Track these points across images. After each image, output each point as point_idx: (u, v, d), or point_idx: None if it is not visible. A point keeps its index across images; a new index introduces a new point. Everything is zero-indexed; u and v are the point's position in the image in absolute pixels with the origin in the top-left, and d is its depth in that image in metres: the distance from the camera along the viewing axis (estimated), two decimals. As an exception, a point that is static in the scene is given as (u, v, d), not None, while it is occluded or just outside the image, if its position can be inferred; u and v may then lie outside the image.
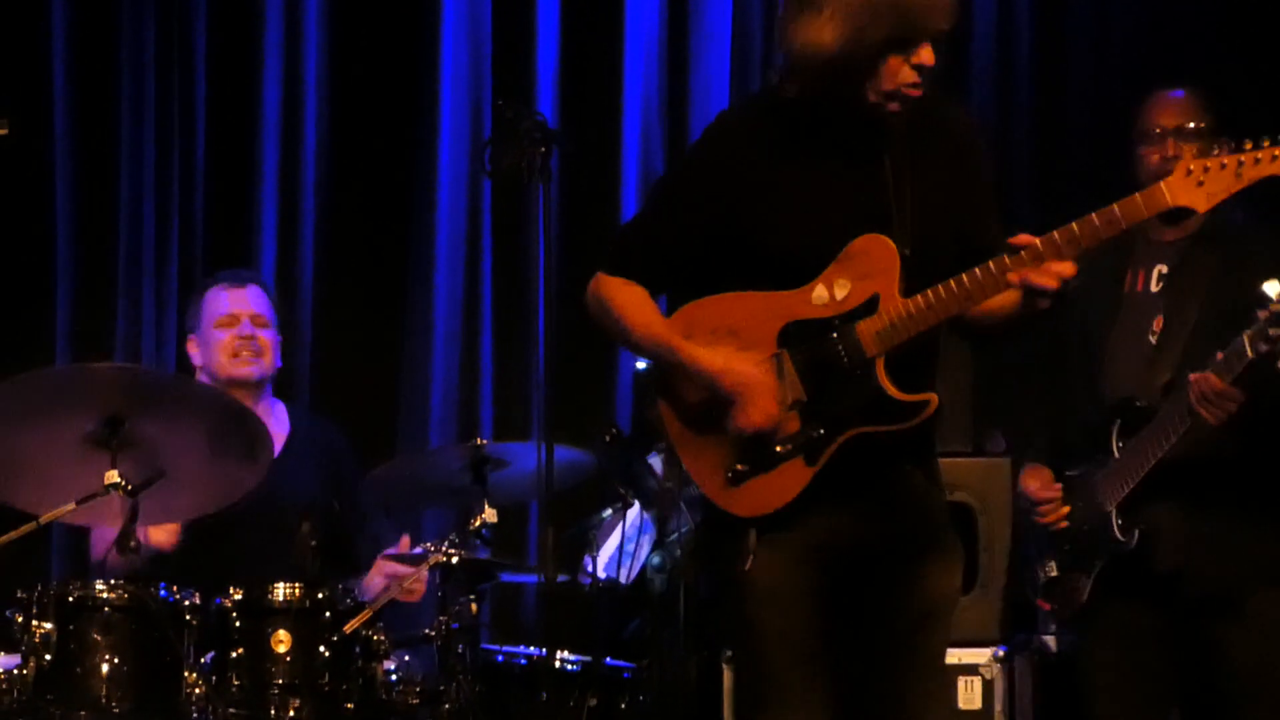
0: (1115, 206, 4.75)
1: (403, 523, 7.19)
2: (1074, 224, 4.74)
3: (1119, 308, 6.08)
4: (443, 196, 8.29)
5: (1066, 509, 6.06)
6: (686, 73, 8.42)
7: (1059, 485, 6.09)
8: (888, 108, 4.83)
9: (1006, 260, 4.76)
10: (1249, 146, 4.80)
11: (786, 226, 4.90)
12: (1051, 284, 4.72)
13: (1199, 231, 5.95)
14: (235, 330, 6.91)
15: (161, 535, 6.61)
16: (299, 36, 8.26)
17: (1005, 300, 4.87)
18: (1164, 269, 6.03)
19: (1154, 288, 6.05)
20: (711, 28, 8.42)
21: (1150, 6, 8.43)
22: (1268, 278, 5.60)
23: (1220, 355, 5.64)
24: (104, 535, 6.50)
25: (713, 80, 8.39)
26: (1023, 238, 4.75)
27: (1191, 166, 4.79)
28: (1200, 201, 4.78)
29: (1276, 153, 4.77)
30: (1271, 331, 5.51)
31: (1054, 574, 6.11)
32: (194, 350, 7.03)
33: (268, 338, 6.97)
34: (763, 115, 5.05)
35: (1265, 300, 5.52)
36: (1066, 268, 4.71)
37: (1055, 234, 4.75)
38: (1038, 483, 6.13)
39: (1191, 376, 5.69)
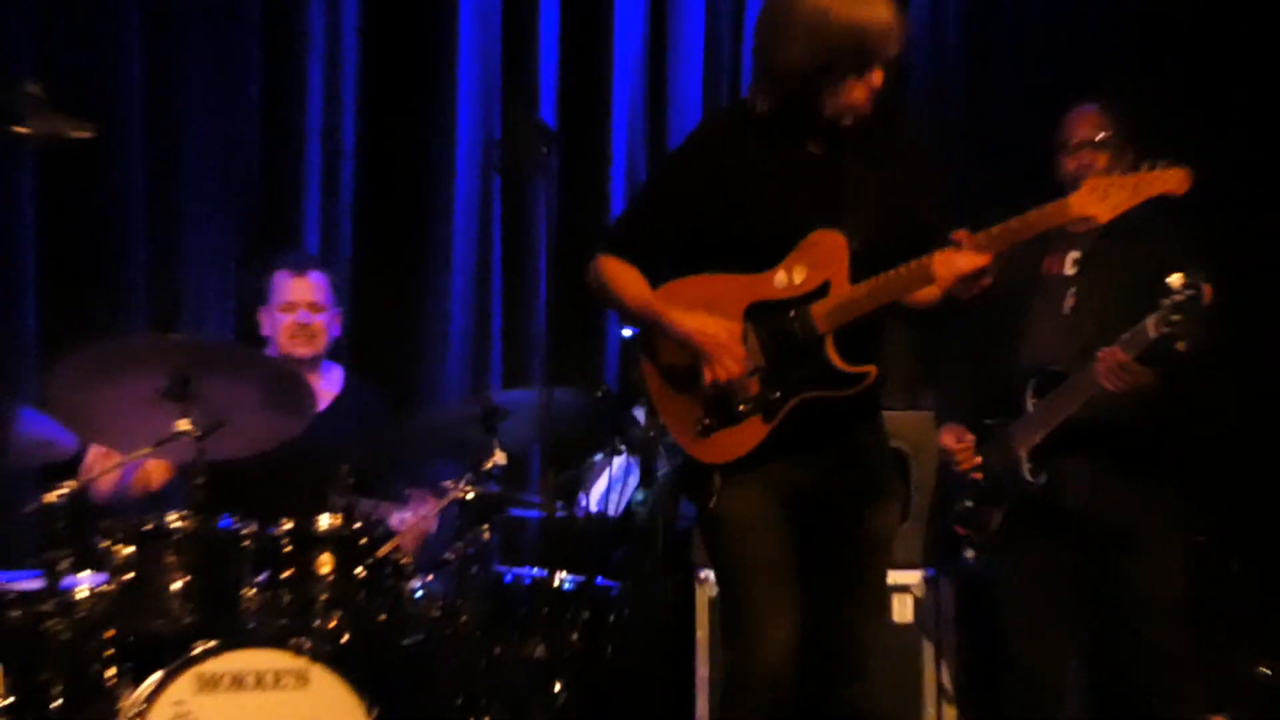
0: (1031, 214, 4.87)
1: (424, 465, 7.26)
2: (995, 227, 4.84)
3: (1038, 287, 6.15)
4: (460, 188, 8.26)
5: (978, 459, 6.15)
6: (665, 82, 8.42)
7: (971, 439, 6.17)
8: (841, 122, 4.93)
9: (924, 260, 4.85)
10: (1145, 168, 4.94)
11: (754, 220, 5.01)
12: (966, 269, 4.79)
13: (1107, 224, 5.88)
14: (294, 316, 6.97)
15: (158, 474, 6.75)
16: (339, 52, 8.24)
17: (931, 292, 4.92)
18: (1077, 255, 6.12)
19: (1069, 271, 6.12)
20: (686, 46, 8.42)
21: (1064, 28, 8.43)
22: (1165, 266, 5.68)
23: (1127, 334, 5.72)
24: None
25: (687, 89, 8.39)
26: (960, 233, 4.83)
27: (1096, 183, 4.94)
28: (1104, 213, 4.94)
29: (1166, 175, 4.93)
30: (1172, 317, 5.60)
31: (970, 505, 6.20)
32: (263, 321, 7.07)
33: (323, 321, 7.02)
34: (736, 125, 5.13)
35: (1169, 291, 5.60)
36: (980, 260, 4.79)
37: (980, 234, 4.84)
38: (953, 437, 6.24)
39: (1100, 351, 5.79)
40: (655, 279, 5.18)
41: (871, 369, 5.01)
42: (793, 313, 5.00)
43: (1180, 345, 5.66)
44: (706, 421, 5.08)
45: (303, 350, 6.99)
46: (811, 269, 4.98)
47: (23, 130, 5.55)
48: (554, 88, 8.36)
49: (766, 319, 5.03)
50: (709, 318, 5.01)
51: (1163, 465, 6.09)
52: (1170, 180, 4.97)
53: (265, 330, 7.08)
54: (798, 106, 4.96)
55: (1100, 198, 4.93)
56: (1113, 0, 8.35)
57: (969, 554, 6.64)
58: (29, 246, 7.85)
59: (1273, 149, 7.92)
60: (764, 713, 5.06)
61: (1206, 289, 5.61)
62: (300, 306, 7.01)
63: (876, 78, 4.88)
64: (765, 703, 5.06)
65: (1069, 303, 6.13)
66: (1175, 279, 5.61)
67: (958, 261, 4.82)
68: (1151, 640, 6.02)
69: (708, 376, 5.00)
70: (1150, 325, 5.68)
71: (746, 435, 5.06)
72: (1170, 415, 6.04)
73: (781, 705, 5.09)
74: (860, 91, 4.89)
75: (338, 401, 7.06)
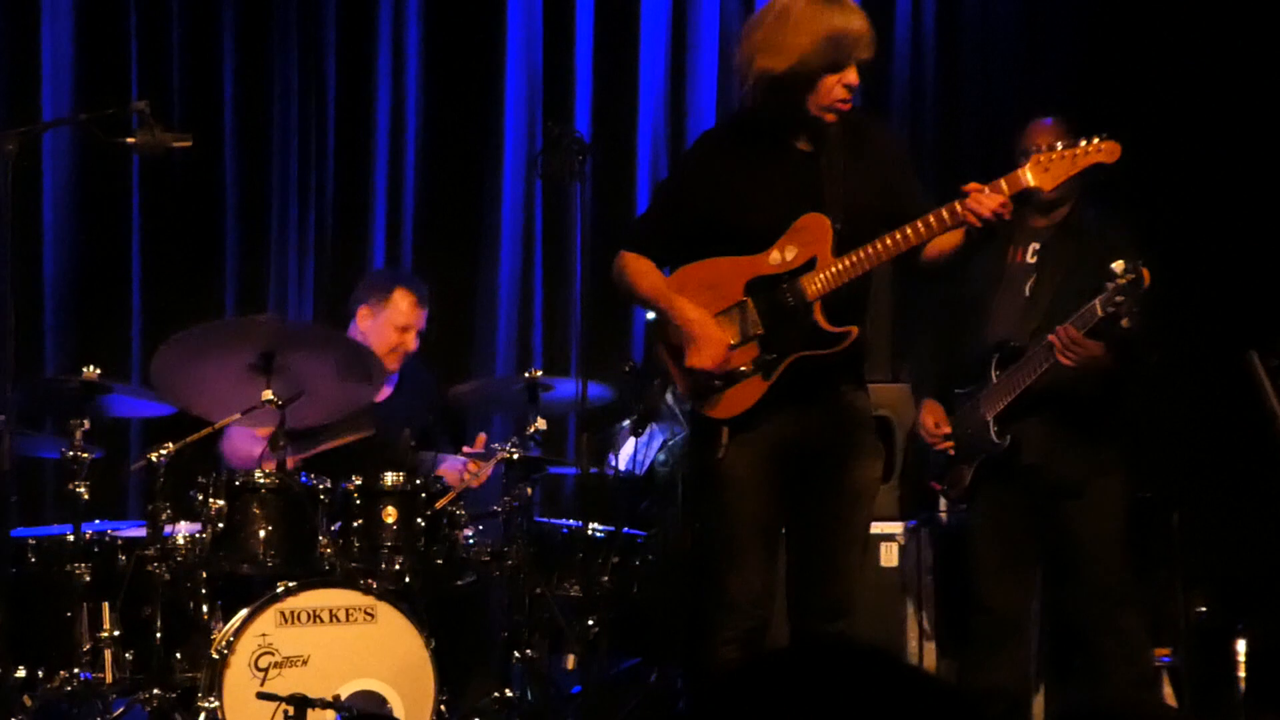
0: (986, 186, 4.89)
1: (478, 429, 7.20)
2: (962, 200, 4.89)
3: (1002, 274, 6.11)
4: (506, 192, 8.24)
5: (949, 444, 6.13)
6: (685, 101, 8.39)
7: (946, 428, 6.14)
8: (825, 118, 4.95)
9: (948, 208, 4.89)
10: (1082, 142, 4.97)
11: (750, 209, 5.04)
12: (994, 205, 4.83)
13: (1064, 221, 6.04)
14: (406, 338, 6.85)
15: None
16: (403, 71, 8.22)
17: (947, 243, 5.00)
18: (1037, 246, 6.07)
19: (1030, 260, 6.08)
20: (703, 70, 8.38)
21: (1023, 43, 8.43)
22: (1111, 257, 5.67)
23: (1078, 314, 5.71)
24: (231, 435, 6.57)
25: (703, 107, 8.35)
26: (973, 185, 4.88)
27: (1040, 158, 4.96)
28: (1047, 182, 4.96)
29: (1101, 146, 4.98)
30: (1116, 298, 5.60)
31: (944, 464, 6.17)
32: (364, 319, 6.89)
33: (414, 343, 6.91)
34: (732, 131, 5.21)
35: (1113, 275, 5.60)
36: (1002, 196, 4.86)
37: (989, 184, 4.89)
38: (932, 419, 6.19)
39: (1057, 328, 5.77)
40: (670, 267, 5.23)
41: (853, 329, 5.05)
42: (785, 285, 5.04)
43: (1124, 322, 5.67)
44: (715, 383, 5.08)
45: (394, 366, 6.89)
46: (801, 247, 5.02)
47: (130, 141, 5.53)
48: (588, 105, 8.34)
49: (764, 292, 5.06)
50: (710, 317, 5.06)
51: (1106, 427, 6.06)
52: (1104, 152, 5.01)
53: (364, 326, 6.92)
54: (785, 107, 4.97)
55: (1043, 170, 4.96)
56: (1065, 24, 8.34)
57: (943, 511, 6.73)
58: (134, 241, 7.91)
59: (1203, 158, 7.93)
60: (738, 643, 5.09)
61: (1145, 273, 5.60)
62: (414, 332, 6.92)
63: (852, 75, 4.90)
64: (740, 634, 5.09)
65: (1028, 287, 6.08)
66: (1118, 265, 5.61)
67: (990, 198, 4.86)
68: (1094, 577, 6.01)
69: (688, 362, 5.06)
70: (1098, 305, 5.67)
71: (748, 392, 5.08)
72: (1113, 385, 6.01)
73: (755, 640, 5.11)
74: (839, 89, 4.91)
75: (400, 383, 7.01)
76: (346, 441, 6.39)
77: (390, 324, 6.88)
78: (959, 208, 4.87)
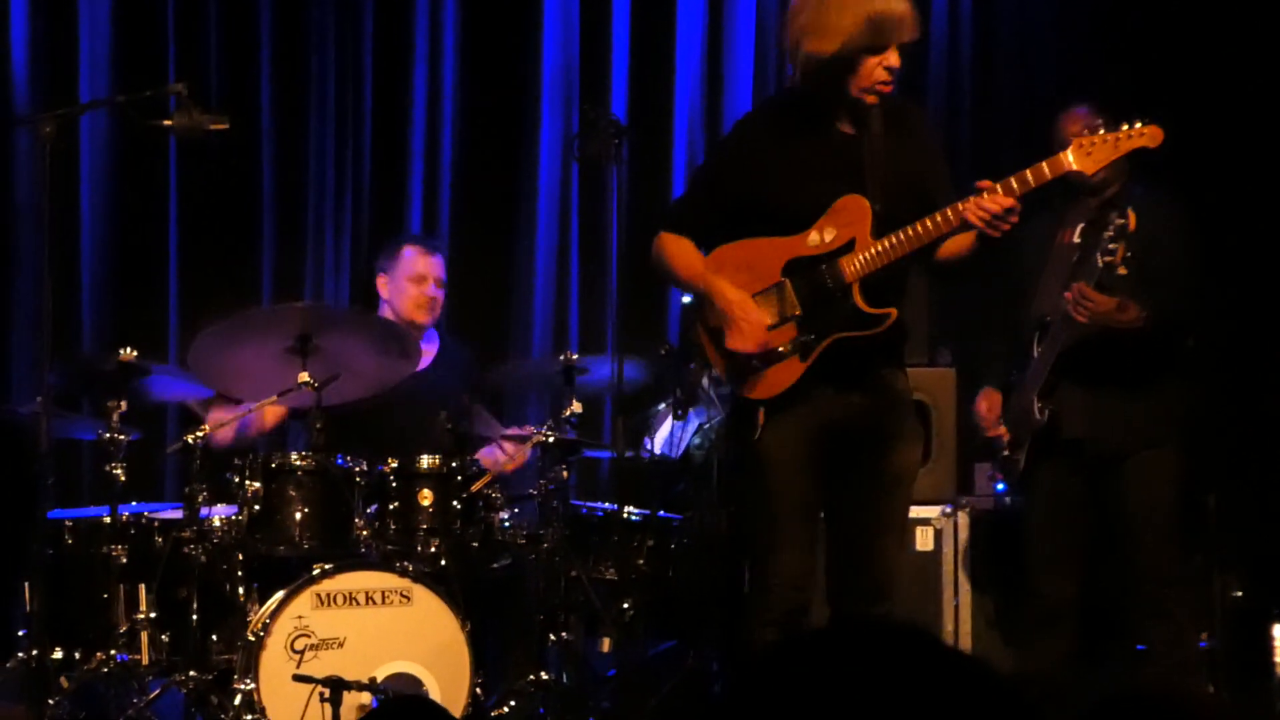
0: (1029, 170, 4.86)
1: (513, 411, 7.21)
2: (1004, 179, 4.83)
3: (1050, 255, 6.12)
4: (543, 175, 8.20)
5: (1004, 429, 6.10)
6: (721, 84, 8.33)
7: (999, 410, 6.13)
8: (866, 99, 4.93)
9: (959, 204, 4.83)
10: (1124, 126, 4.92)
11: (792, 190, 5.03)
12: (996, 209, 4.76)
13: (1111, 199, 5.99)
14: (423, 289, 6.85)
15: (272, 417, 6.64)
16: (440, 56, 8.16)
17: (961, 244, 4.95)
18: (1083, 225, 6.06)
19: (1076, 239, 6.07)
20: (739, 52, 8.32)
21: (1060, 30, 8.36)
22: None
23: (1085, 270, 5.75)
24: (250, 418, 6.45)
25: (739, 90, 8.29)
26: (984, 182, 4.83)
27: (1083, 141, 4.93)
28: (1089, 166, 4.93)
29: (1143, 131, 4.93)
30: (1110, 246, 5.61)
31: (1006, 455, 6.15)
32: (383, 287, 6.93)
33: (441, 296, 6.93)
34: (774, 112, 5.22)
35: (1108, 225, 5.63)
36: (1008, 200, 4.78)
37: (1001, 182, 4.82)
38: (986, 405, 6.20)
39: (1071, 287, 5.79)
40: (708, 248, 5.20)
41: (892, 310, 5.02)
42: (824, 266, 5.02)
43: (1121, 270, 5.67)
44: (754, 364, 5.07)
45: (425, 318, 6.90)
46: (840, 229, 5.01)
47: (168, 123, 5.56)
48: (625, 88, 8.29)
49: (802, 273, 5.05)
50: (749, 298, 5.04)
51: (1152, 398, 6.02)
52: (1146, 136, 4.96)
53: (385, 294, 6.96)
54: (827, 89, 4.96)
55: (1085, 154, 4.93)
56: (1103, 11, 8.27)
57: (978, 494, 6.78)
58: (170, 224, 7.91)
59: (1244, 142, 7.86)
60: (778, 625, 5.07)
61: (1131, 216, 5.61)
62: (430, 280, 6.91)
63: (893, 58, 4.89)
64: (780, 616, 5.07)
65: (1071, 264, 6.05)
66: (1113, 215, 5.64)
67: (993, 202, 4.80)
68: (1141, 557, 6.00)
69: (728, 343, 5.05)
70: (1098, 257, 5.68)
71: (786, 373, 5.06)
72: (1151, 353, 5.99)
73: (795, 621, 5.09)
74: (879, 71, 4.90)
75: (436, 360, 6.96)
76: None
77: (405, 278, 6.89)
78: (962, 212, 4.84)
